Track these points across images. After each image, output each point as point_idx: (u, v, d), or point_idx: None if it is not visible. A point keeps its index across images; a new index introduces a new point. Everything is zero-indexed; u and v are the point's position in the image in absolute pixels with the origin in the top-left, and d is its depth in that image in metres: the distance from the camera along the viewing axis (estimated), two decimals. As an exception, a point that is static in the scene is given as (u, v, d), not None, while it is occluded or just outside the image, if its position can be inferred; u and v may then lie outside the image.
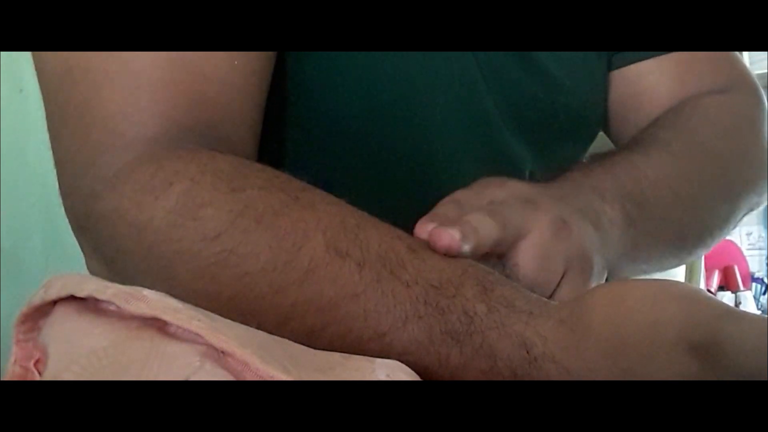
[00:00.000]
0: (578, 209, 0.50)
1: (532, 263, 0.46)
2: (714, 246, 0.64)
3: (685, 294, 0.37)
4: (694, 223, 0.59)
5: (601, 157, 0.60)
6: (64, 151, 0.49)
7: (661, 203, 0.56)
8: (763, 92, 0.70)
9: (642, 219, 0.54)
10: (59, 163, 0.50)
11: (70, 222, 0.50)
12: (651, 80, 0.68)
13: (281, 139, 0.57)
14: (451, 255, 0.43)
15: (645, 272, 0.59)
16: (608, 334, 0.37)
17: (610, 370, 0.37)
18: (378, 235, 0.43)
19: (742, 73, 0.70)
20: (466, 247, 0.43)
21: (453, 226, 0.44)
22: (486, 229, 0.45)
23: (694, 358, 0.35)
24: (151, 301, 0.33)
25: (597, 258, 0.49)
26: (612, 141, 0.72)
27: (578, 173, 0.56)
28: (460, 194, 0.50)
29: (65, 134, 0.49)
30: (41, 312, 0.35)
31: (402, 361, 0.38)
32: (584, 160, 0.62)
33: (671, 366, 0.35)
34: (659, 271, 0.62)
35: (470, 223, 0.45)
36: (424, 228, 0.45)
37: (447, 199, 0.50)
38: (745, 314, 0.35)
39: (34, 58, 0.51)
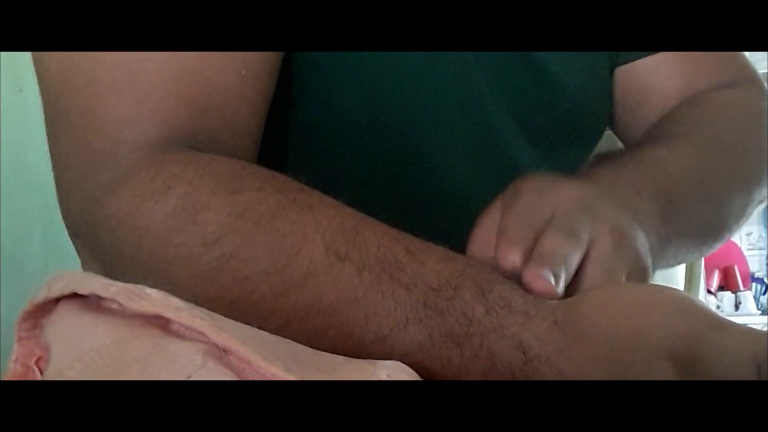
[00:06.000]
0: (624, 209, 0.49)
1: (597, 279, 0.45)
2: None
3: (671, 302, 0.38)
4: (715, 217, 0.59)
5: (628, 153, 0.59)
6: (64, 156, 0.49)
7: (688, 199, 0.56)
8: (766, 86, 0.70)
9: (672, 215, 0.54)
10: (58, 169, 0.49)
11: (66, 227, 0.50)
12: (660, 75, 0.68)
13: (282, 142, 0.57)
14: (548, 298, 0.42)
15: (666, 267, 0.59)
16: (596, 338, 0.38)
17: (597, 374, 0.37)
18: (376, 237, 0.43)
19: (747, 68, 0.71)
20: (560, 289, 0.42)
21: (544, 266, 0.42)
22: (573, 263, 0.44)
23: (674, 368, 0.35)
24: (154, 300, 0.33)
25: (649, 262, 0.48)
26: (618, 135, 0.72)
27: (611, 168, 0.55)
28: (524, 203, 0.47)
29: (66, 140, 0.48)
30: (44, 310, 0.35)
31: (405, 363, 0.38)
32: (612, 155, 0.60)
33: (651, 374, 0.36)
34: (676, 265, 0.61)
35: (558, 259, 0.43)
36: (508, 256, 0.43)
37: (514, 211, 0.46)
38: (730, 326, 0.35)
39: (35, 61, 0.51)
